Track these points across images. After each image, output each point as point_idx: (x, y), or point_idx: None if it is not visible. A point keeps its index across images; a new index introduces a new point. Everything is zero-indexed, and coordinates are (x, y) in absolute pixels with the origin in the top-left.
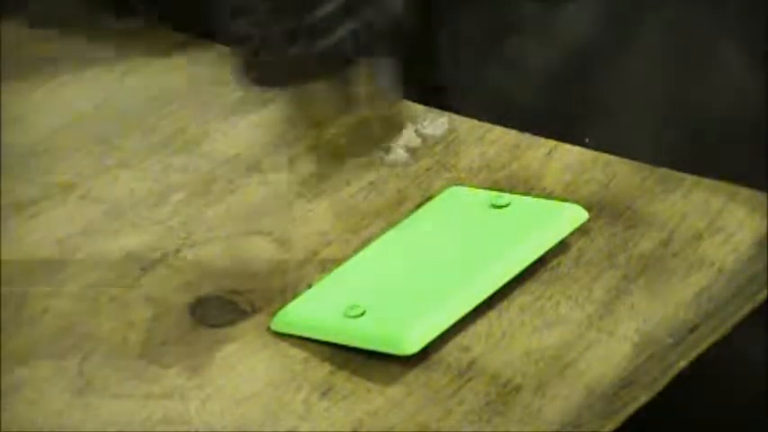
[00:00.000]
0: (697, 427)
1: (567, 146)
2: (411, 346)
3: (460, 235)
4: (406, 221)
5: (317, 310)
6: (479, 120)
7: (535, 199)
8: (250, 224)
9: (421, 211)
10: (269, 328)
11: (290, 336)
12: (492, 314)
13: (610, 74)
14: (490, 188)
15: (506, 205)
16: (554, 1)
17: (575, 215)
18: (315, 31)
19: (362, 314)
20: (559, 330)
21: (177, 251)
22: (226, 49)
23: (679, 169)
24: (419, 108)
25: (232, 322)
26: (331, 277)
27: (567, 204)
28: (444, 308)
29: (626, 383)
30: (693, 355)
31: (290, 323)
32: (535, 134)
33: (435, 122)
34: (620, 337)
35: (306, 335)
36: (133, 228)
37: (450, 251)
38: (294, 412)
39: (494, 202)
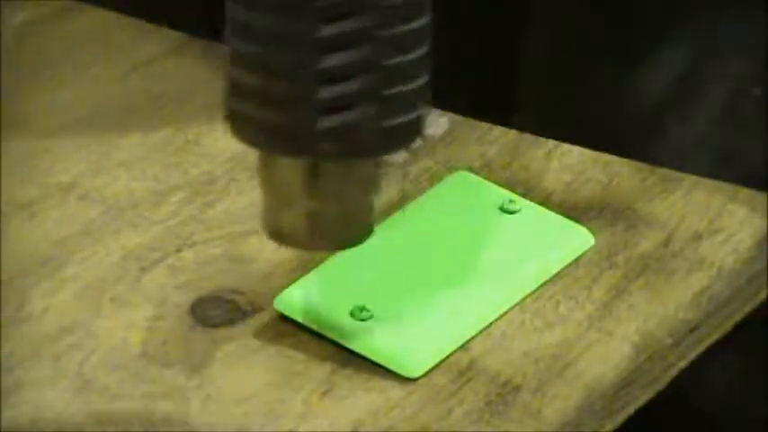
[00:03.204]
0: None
1: (567, 146)
2: (416, 370)
3: (467, 237)
4: (411, 208)
5: (322, 303)
6: None
7: (547, 212)
8: (250, 224)
9: (426, 197)
10: (269, 328)
11: (290, 334)
12: None
13: None
14: None
15: (516, 212)
16: None
17: (583, 241)
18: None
19: (370, 318)
20: (559, 330)
21: (177, 251)
22: (226, 49)
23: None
24: None
25: (232, 322)
26: (335, 261)
27: (577, 227)
28: (452, 332)
29: (626, 383)
30: (693, 355)
31: (293, 307)
32: None
33: (435, 122)
34: (620, 337)
35: (308, 325)
36: (133, 228)
37: (458, 255)
38: (294, 412)
39: (503, 206)
